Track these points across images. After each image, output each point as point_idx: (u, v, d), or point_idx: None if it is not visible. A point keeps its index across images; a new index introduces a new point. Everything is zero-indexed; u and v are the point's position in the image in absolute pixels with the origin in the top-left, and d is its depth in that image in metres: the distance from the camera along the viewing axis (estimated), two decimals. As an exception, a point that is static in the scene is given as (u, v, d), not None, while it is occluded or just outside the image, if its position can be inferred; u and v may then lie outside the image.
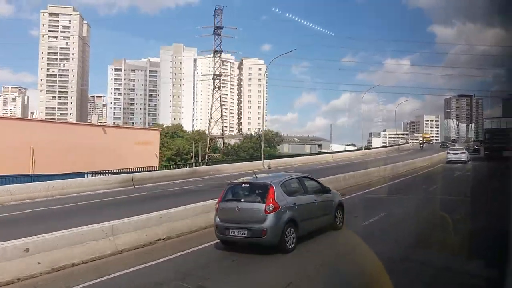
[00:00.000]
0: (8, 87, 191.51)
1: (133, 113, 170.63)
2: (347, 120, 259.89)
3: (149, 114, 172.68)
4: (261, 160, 34.45)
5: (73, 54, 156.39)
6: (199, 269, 7.93)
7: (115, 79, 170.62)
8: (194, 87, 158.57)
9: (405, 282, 6.47)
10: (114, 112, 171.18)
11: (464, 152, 35.54)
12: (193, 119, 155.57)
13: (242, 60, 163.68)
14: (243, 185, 9.53)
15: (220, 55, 77.89)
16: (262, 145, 37.96)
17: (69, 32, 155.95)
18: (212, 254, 8.96)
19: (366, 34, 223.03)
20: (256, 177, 9.75)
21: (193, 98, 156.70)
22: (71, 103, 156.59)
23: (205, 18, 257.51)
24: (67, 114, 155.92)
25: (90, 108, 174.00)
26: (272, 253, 8.30)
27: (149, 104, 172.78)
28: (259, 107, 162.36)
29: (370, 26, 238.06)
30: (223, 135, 40.36)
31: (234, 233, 8.69)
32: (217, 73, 77.78)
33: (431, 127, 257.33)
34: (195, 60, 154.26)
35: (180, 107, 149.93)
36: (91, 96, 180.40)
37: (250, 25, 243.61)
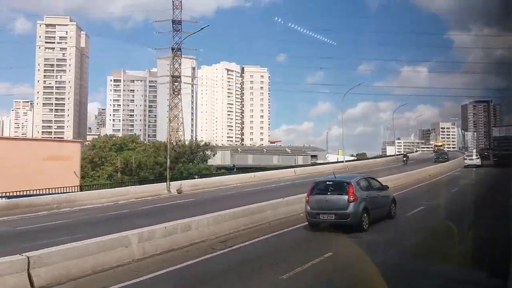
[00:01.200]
0: (20, 101, 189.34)
1: (132, 124, 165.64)
2: (364, 128, 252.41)
3: (149, 125, 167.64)
4: (167, 182, 23.75)
5: (69, 65, 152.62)
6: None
7: (114, 90, 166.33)
8: (193, 96, 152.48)
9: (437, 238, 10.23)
10: (113, 124, 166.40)
11: (478, 158, 40.41)
12: (191, 130, 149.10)
13: (243, 68, 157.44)
14: (327, 182, 12.91)
15: (181, 53, 70.16)
16: (167, 161, 25.02)
17: (65, 43, 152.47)
18: (302, 233, 12.30)
19: (381, 41, 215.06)
20: (335, 177, 13.32)
21: (191, 107, 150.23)
22: (68, 115, 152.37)
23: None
24: (64, 127, 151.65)
25: (89, 122, 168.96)
26: (351, 232, 11.37)
27: (149, 115, 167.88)
28: (261, 116, 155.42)
29: (385, 33, 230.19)
30: (168, 147, 29.00)
31: (323, 217, 11.94)
32: (176, 74, 69.08)
33: (448, 135, 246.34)
34: (193, 68, 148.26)
35: (178, 117, 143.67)
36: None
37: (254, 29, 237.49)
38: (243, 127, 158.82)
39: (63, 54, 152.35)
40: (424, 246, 9.77)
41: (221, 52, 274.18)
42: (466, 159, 40.70)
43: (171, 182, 23.67)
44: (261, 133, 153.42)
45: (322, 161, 63.15)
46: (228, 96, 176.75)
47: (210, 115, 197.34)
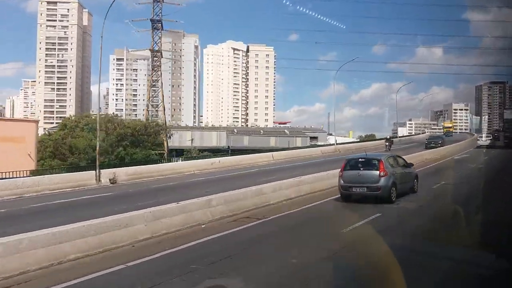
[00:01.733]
0: (28, 81, 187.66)
1: (136, 104, 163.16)
2: (377, 110, 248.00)
3: (152, 105, 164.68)
4: (96, 169, 19.50)
5: (71, 44, 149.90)
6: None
7: (117, 69, 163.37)
8: (195, 75, 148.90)
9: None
10: (116, 104, 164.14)
11: (490, 139, 43.88)
12: (194, 110, 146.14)
13: (248, 46, 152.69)
14: (359, 159, 14.13)
15: (161, 26, 66.07)
16: (97, 144, 20.21)
17: (67, 21, 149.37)
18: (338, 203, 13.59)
19: (397, 22, 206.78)
20: (366, 154, 14.84)
21: (194, 87, 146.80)
22: (70, 94, 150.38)
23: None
24: (66, 106, 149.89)
25: (94, 102, 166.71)
26: (380, 203, 12.53)
27: (152, 95, 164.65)
28: (266, 97, 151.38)
29: (401, 13, 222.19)
30: (97, 127, 22.24)
31: (356, 190, 13.32)
32: (156, 48, 64.49)
33: (460, 116, 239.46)
34: (196, 47, 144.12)
35: (180, 98, 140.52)
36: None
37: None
38: (247, 107, 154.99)
39: (65, 32, 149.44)
40: (446, 215, 11.02)
41: (231, 32, 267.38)
42: (479, 140, 44.64)
43: (104, 170, 19.79)
44: (266, 113, 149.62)
45: (321, 143, 59.81)
46: (234, 76, 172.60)
47: (216, 96, 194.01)
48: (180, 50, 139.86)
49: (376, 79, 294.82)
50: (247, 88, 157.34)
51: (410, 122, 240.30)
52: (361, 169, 13.43)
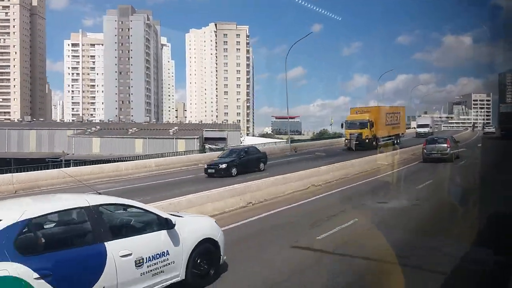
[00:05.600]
0: None
1: (94, 96, 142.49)
2: (401, 102, 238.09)
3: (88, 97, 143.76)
4: None
5: (14, 26, 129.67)
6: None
7: (72, 56, 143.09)
8: (149, 61, 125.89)
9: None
10: (72, 97, 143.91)
11: (494, 128, 57.63)
12: (148, 103, 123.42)
13: (215, 24, 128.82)
14: (435, 138, 25.21)
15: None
16: None
17: (8, 0, 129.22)
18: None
19: (424, 10, 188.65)
20: (437, 136, 27.97)
21: (147, 76, 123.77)
22: (15, 86, 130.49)
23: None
24: (10, 99, 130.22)
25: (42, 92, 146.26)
26: (449, 162, 21.92)
27: (89, 85, 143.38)
28: (238, 86, 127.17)
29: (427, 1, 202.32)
30: None
31: (433, 155, 22.86)
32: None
33: (481, 108, 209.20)
34: (148, 25, 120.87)
35: (129, 87, 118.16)
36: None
37: None
38: (217, 99, 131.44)
39: (6, 13, 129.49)
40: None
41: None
42: (485, 128, 64.82)
43: None
44: (237, 106, 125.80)
45: (217, 146, 37.02)
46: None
47: (199, 87, 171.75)
48: (128, 29, 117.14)
49: (402, 70, 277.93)
50: (219, 76, 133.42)
51: (425, 116, 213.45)
52: (437, 143, 23.49)
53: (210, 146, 41.81)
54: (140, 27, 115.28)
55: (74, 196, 5.46)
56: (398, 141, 36.81)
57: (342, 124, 34.61)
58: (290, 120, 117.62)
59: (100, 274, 4.63)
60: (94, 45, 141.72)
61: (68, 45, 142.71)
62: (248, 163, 21.12)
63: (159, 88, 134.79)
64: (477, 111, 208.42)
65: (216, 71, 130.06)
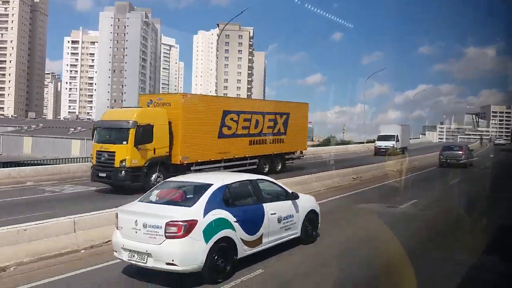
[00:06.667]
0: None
1: (92, 95, 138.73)
2: (419, 113, 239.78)
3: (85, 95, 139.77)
4: None
5: (12, 22, 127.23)
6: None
7: (72, 53, 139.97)
8: (146, 59, 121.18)
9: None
10: (69, 94, 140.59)
11: (503, 140, 70.46)
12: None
13: (217, 24, 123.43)
14: (451, 146, 29.21)
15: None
16: None
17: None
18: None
19: (445, 20, 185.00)
20: (454, 144, 39.04)
21: (142, 75, 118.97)
22: (10, 81, 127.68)
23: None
24: (4, 95, 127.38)
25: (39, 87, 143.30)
26: (463, 168, 24.71)
27: (87, 83, 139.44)
28: (238, 88, 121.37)
29: (449, 12, 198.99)
30: None
31: (449, 161, 25.35)
32: None
33: (500, 120, 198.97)
34: (146, 23, 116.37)
35: (122, 85, 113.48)
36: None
37: None
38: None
39: (5, 8, 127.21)
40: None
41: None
42: (495, 140, 76.29)
43: None
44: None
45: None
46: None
47: (205, 89, 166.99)
48: (125, 27, 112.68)
49: (422, 81, 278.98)
50: (219, 77, 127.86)
51: (441, 127, 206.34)
52: (454, 150, 26.44)
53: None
54: (137, 24, 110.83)
55: (243, 174, 8.53)
56: (279, 167, 20.87)
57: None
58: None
59: (261, 224, 6.99)
60: (94, 42, 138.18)
61: (68, 42, 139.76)
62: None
63: (156, 88, 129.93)
64: (495, 123, 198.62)
65: (216, 72, 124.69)
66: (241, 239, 6.44)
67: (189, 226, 5.75)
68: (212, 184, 6.55)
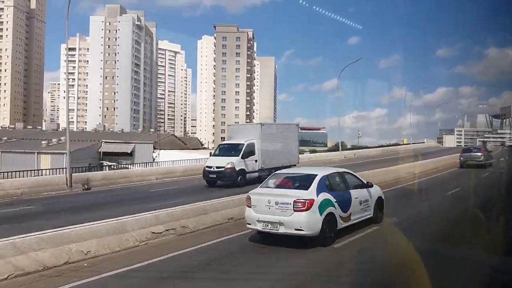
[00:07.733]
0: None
1: (86, 103, 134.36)
2: (439, 116, 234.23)
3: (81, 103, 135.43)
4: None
5: (7, 29, 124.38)
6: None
7: (70, 61, 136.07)
8: (139, 65, 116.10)
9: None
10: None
11: None
12: (137, 110, 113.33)
13: (214, 26, 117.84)
14: (470, 148, 32.00)
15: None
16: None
17: (2, 1, 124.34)
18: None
19: (464, 22, 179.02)
20: (473, 146, 42.63)
21: (136, 81, 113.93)
22: (5, 91, 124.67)
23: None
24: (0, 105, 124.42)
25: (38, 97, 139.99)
26: (483, 168, 26.23)
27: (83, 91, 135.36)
28: (248, 94, 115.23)
29: (470, 13, 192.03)
30: None
31: (469, 162, 26.79)
32: None
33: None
34: (139, 27, 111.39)
35: (114, 100, 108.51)
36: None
37: None
38: (214, 108, 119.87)
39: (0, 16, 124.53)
40: None
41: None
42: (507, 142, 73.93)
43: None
44: (235, 114, 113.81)
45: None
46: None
47: (210, 95, 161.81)
48: (116, 31, 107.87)
49: (442, 83, 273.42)
50: (217, 82, 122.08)
51: (459, 130, 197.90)
52: (472, 152, 27.77)
53: (107, 163, 29.60)
54: (128, 28, 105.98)
55: (331, 168, 11.49)
56: None
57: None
58: (315, 131, 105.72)
59: (350, 205, 9.26)
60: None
61: (65, 49, 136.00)
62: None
63: (153, 94, 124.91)
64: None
65: (214, 77, 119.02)
66: (339, 215, 8.75)
67: (310, 203, 8.17)
68: (317, 174, 8.97)
